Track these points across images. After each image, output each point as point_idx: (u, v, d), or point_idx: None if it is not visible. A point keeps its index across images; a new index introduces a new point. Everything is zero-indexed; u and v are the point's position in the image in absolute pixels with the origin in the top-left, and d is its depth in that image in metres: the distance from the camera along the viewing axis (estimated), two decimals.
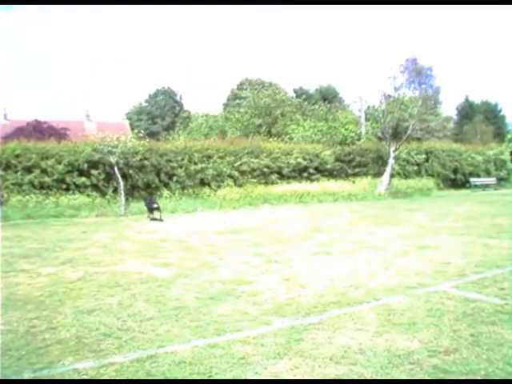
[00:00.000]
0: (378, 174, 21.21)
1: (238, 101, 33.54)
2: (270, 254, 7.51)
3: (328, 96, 45.51)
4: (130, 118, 48.24)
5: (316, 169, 21.15)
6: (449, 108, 55.38)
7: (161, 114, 53.21)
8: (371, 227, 10.34)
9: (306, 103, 32.89)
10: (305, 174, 20.77)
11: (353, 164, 22.11)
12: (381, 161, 22.05)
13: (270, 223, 11.71)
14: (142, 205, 15.04)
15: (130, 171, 16.55)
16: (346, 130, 25.42)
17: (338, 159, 21.83)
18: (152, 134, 40.97)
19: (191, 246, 8.38)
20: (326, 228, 10.45)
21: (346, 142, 24.08)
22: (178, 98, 55.96)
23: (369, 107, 28.36)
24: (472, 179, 24.86)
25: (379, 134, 22.92)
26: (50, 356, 3.66)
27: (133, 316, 4.57)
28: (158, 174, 17.49)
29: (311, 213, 14.15)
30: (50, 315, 4.62)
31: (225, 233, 10.02)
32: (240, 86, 43.05)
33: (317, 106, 31.64)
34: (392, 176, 20.82)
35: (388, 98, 21.90)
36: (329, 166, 21.42)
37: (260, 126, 28.21)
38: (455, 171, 25.08)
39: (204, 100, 78.14)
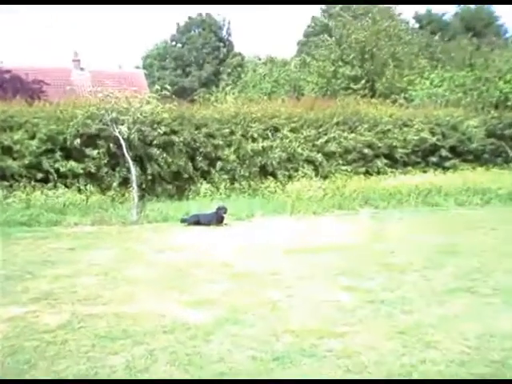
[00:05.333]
0: None
1: (323, 36, 33.33)
2: (374, 288, 7.43)
3: (476, 25, 44.19)
4: (147, 67, 49.43)
5: (452, 149, 20.67)
6: None
7: (197, 59, 54.06)
8: None
9: (436, 37, 32.11)
10: (433, 159, 20.37)
11: None
12: None
13: (373, 238, 11.56)
14: (166, 206, 15.31)
15: (149, 152, 16.90)
16: (506, 82, 24.54)
17: (491, 133, 21.27)
18: (183, 92, 41.87)
19: (244, 274, 8.42)
20: (469, 249, 10.18)
21: (507, 103, 23.29)
22: (223, 34, 56.62)
23: None
24: None
25: None
26: None
27: None
28: (192, 158, 17.77)
29: (444, 223, 13.82)
30: None
31: (298, 252, 10.00)
32: (326, 11, 42.81)
33: (455, 43, 30.82)
34: None
35: None
36: (475, 145, 20.89)
37: (356, 78, 27.95)
38: None
39: (266, 37, 78.59)
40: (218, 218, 13.73)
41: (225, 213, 13.79)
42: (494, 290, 7.30)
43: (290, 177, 18.38)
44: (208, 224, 13.59)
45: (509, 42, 37.13)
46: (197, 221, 13.77)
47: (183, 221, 13.94)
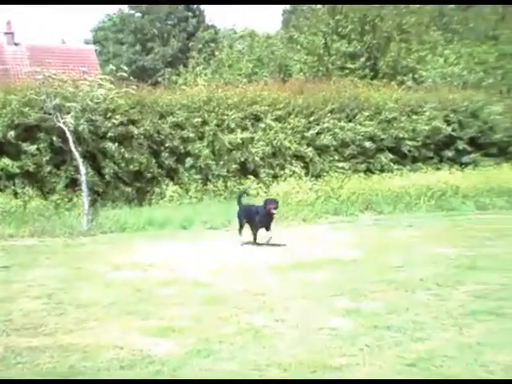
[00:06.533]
0: None
1: (317, 6, 33.41)
2: (378, 311, 7.45)
3: None
4: (99, 41, 49.06)
5: (472, 142, 20.87)
6: None
7: (160, 32, 53.81)
8: None
9: (451, 5, 32.27)
10: (448, 153, 20.59)
11: None
12: None
13: (376, 250, 11.63)
14: (124, 213, 15.24)
15: (102, 147, 16.86)
16: None
17: None
18: (143, 73, 41.74)
19: (220, 295, 8.43)
20: (493, 262, 10.23)
21: None
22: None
23: None
24: None
25: None
26: None
27: None
28: (156, 154, 17.78)
29: (462, 231, 13.90)
30: None
31: (287, 268, 10.02)
32: None
33: (475, 12, 31.02)
34: None
35: None
36: (499, 136, 21.10)
37: (354, 55, 28.03)
38: None
39: (244, 5, 78.50)
40: (265, 216, 12.52)
41: (275, 208, 12.57)
42: None
43: (275, 176, 18.43)
44: (256, 225, 12.59)
45: None
46: (245, 216, 12.83)
47: (240, 197, 13.36)
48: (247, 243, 12.65)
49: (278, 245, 12.34)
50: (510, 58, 24.99)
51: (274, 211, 12.41)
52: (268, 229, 12.43)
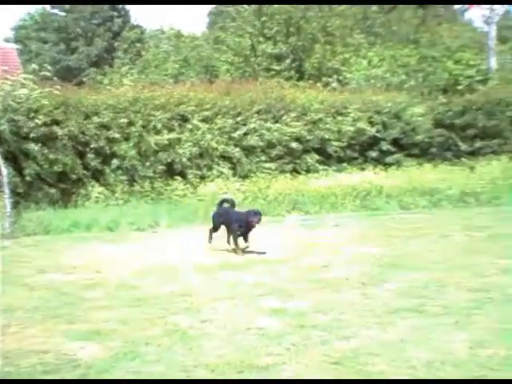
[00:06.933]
0: None
1: (243, 8, 33.48)
2: (304, 311, 7.49)
3: None
4: (21, 40, 48.18)
5: (395, 142, 21.19)
6: None
7: (85, 31, 53.15)
8: None
9: (373, 8, 32.66)
10: (372, 154, 20.85)
11: (470, 133, 22.14)
12: None
13: (302, 250, 11.70)
14: (48, 215, 15.02)
15: (25, 147, 16.59)
16: (456, 62, 25.23)
17: (439, 123, 21.83)
18: (68, 73, 41.15)
19: (146, 297, 8.38)
20: (415, 260, 10.41)
21: (457, 87, 23.90)
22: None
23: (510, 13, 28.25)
24: None
25: None
26: None
27: None
28: (81, 154, 17.58)
29: (386, 230, 14.11)
30: None
31: (214, 269, 10.02)
32: None
33: (397, 15, 31.45)
34: None
35: None
36: (421, 137, 21.40)
37: (280, 57, 28.17)
38: None
39: (171, 7, 78.10)
40: (244, 226, 11.66)
41: (258, 222, 11.57)
42: (445, 309, 7.44)
43: (202, 177, 18.41)
44: (234, 231, 11.79)
45: (459, 15, 38.15)
46: (222, 219, 12.14)
47: (222, 202, 12.79)
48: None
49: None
50: (431, 60, 25.42)
51: (255, 224, 11.56)
52: (246, 239, 11.62)
